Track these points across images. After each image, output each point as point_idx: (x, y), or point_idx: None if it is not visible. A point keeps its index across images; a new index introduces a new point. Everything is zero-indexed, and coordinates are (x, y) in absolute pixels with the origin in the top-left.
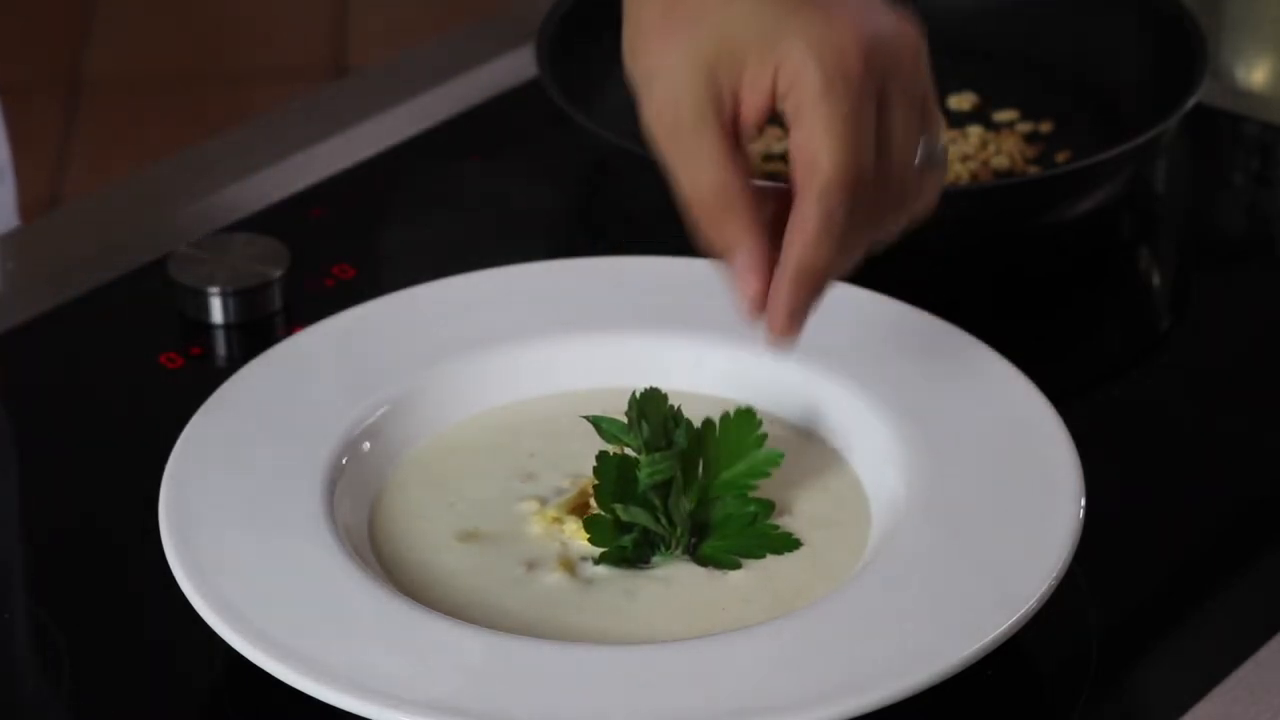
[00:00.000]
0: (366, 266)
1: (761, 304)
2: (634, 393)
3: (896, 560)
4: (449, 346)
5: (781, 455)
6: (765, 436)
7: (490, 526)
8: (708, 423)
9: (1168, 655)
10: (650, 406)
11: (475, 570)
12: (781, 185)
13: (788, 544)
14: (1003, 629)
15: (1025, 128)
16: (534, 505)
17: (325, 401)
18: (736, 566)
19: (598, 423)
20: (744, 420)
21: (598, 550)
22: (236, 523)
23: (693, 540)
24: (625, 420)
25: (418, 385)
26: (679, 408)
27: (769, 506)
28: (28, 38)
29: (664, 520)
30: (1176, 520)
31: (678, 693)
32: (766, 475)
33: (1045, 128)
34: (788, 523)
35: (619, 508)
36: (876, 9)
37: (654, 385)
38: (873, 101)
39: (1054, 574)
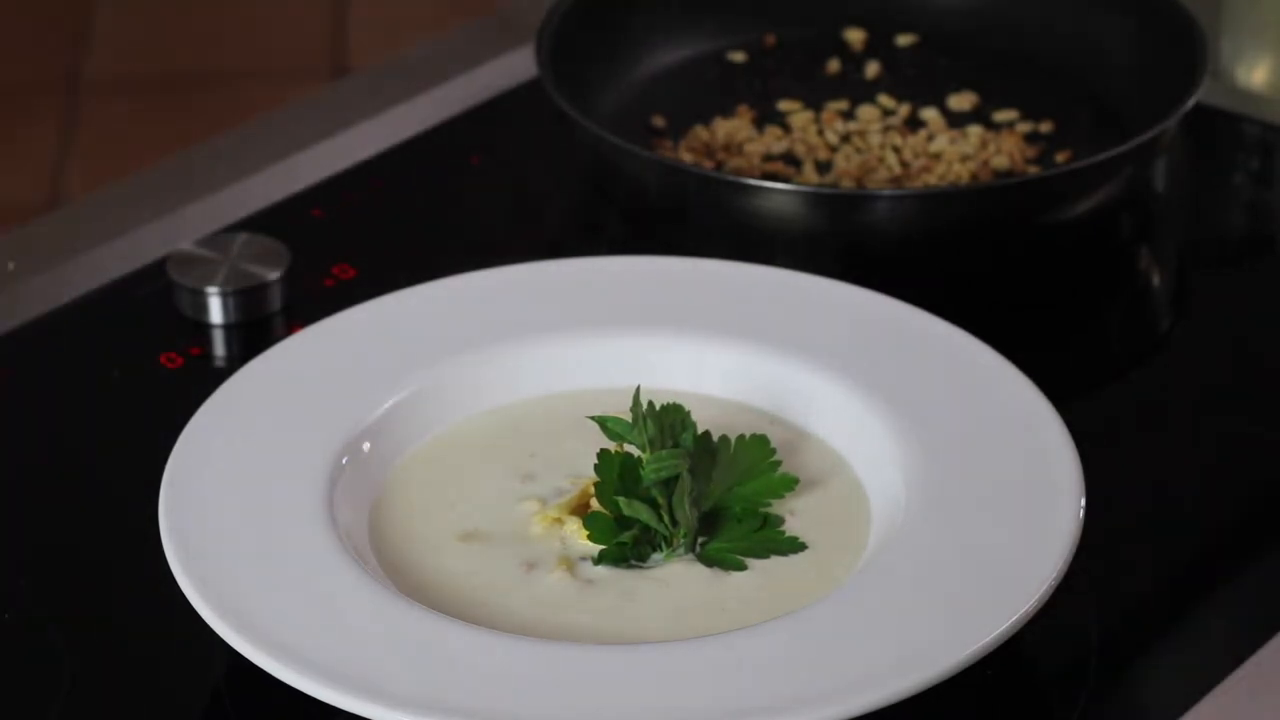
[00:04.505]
0: (366, 266)
1: None
2: (638, 390)
3: (896, 560)
4: (449, 346)
5: (796, 480)
6: (779, 463)
7: (490, 526)
8: (723, 439)
9: (1168, 655)
10: (667, 417)
11: (475, 570)
12: (780, 185)
13: (792, 545)
14: (1003, 629)
15: (1025, 128)
16: (534, 505)
17: (325, 401)
18: (742, 567)
19: (603, 421)
20: (757, 445)
21: (597, 550)
22: (236, 523)
23: (700, 540)
24: (628, 419)
25: (418, 385)
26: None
27: (779, 520)
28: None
29: (666, 519)
30: (1176, 520)
31: (678, 693)
32: (780, 497)
33: (1045, 128)
34: (788, 523)
35: (622, 501)
36: None
37: (655, 386)
38: None
39: (1054, 574)
